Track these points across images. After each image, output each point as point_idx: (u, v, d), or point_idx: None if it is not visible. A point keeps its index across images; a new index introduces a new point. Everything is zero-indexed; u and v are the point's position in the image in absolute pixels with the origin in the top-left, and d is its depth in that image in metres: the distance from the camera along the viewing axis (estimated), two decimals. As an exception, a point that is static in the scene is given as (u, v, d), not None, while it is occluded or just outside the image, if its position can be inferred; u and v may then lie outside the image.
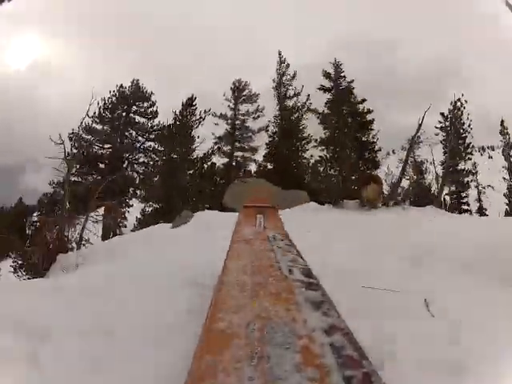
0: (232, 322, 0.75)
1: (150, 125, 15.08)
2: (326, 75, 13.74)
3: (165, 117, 15.07)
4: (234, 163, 15.56)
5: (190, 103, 14.80)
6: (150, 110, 15.36)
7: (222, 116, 16.63)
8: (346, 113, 11.98)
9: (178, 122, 14.22)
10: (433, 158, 12.05)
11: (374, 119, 12.44)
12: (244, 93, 17.16)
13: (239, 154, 15.97)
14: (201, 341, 0.72)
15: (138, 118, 15.07)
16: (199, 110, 14.75)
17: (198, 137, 14.13)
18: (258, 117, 16.49)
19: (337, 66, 14.24)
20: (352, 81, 13.59)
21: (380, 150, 12.24)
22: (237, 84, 17.16)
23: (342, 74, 13.99)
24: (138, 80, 15.39)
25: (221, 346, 0.67)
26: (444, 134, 12.40)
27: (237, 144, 16.27)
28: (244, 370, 0.60)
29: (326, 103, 12.62)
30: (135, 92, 15.16)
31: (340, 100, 12.61)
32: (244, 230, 2.01)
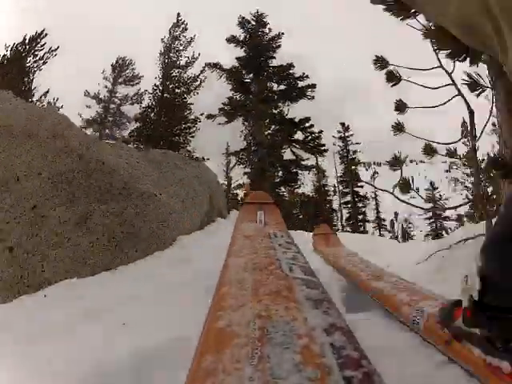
0: (232, 321, 0.75)
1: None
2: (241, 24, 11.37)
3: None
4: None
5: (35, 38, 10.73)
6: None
7: (96, 97, 14.45)
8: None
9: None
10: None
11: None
12: (126, 72, 14.85)
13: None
14: (201, 340, 0.71)
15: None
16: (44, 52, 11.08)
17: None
18: (139, 103, 14.34)
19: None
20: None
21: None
22: (120, 62, 14.68)
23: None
24: None
25: (221, 345, 0.67)
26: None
27: (108, 132, 13.95)
28: (244, 370, 0.59)
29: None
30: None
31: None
32: (244, 226, 2.01)
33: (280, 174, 19.07)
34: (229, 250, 1.48)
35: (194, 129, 13.95)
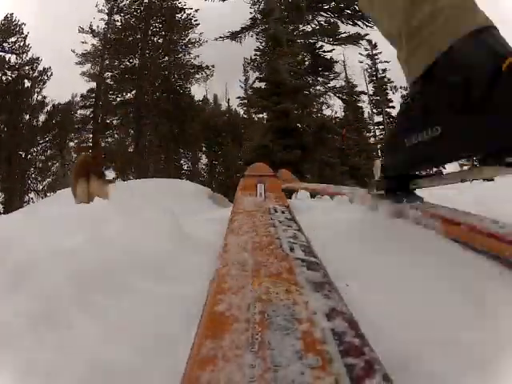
0: (232, 304, 0.74)
1: None
2: None
3: None
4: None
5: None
6: None
7: (92, 31, 12.86)
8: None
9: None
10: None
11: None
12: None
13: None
14: (200, 324, 0.71)
15: None
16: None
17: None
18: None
19: None
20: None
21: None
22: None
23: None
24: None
25: (221, 330, 0.66)
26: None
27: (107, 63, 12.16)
28: (244, 357, 0.59)
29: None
30: None
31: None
32: (244, 200, 1.98)
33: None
34: (228, 226, 1.47)
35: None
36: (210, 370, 0.57)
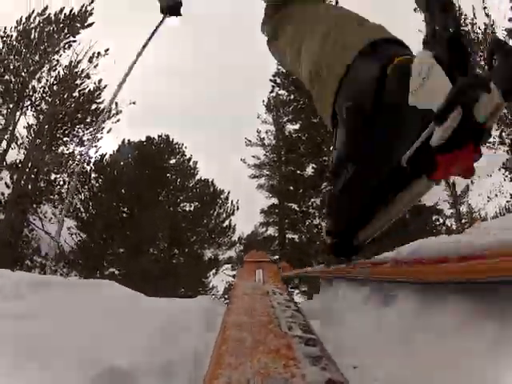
0: (232, 378, 0.76)
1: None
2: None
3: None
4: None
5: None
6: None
7: None
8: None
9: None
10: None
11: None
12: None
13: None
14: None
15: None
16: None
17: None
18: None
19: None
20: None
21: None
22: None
23: None
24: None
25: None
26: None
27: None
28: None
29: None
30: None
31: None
32: (244, 284, 2.02)
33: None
34: (227, 308, 1.48)
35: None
36: None
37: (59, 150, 14.27)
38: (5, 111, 13.35)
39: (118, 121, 14.58)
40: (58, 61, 14.16)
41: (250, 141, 17.94)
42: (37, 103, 13.84)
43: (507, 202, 14.27)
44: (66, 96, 14.18)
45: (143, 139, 18.24)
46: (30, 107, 13.81)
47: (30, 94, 13.73)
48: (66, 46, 14.23)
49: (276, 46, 1.28)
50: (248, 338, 1.02)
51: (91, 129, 14.47)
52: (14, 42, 13.51)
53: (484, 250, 0.93)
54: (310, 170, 15.65)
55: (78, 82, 14.45)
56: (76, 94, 14.45)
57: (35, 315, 1.61)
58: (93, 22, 14.58)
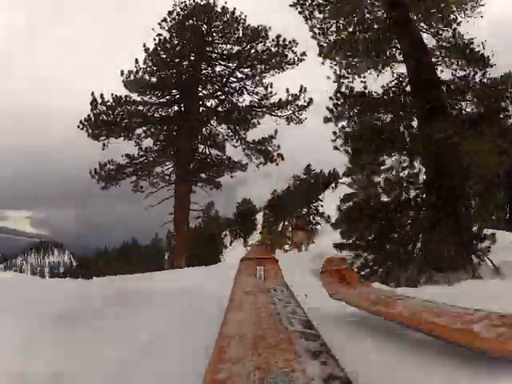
0: (232, 373, 0.76)
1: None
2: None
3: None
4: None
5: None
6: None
7: None
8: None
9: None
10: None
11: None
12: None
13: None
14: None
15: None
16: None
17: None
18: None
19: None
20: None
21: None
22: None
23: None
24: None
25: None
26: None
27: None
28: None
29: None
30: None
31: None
32: (244, 281, 2.02)
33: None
34: (228, 305, 1.49)
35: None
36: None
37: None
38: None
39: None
40: None
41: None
42: None
43: None
44: None
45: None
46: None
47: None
48: None
49: None
50: (248, 333, 1.03)
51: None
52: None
53: None
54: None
55: None
56: None
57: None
58: None
